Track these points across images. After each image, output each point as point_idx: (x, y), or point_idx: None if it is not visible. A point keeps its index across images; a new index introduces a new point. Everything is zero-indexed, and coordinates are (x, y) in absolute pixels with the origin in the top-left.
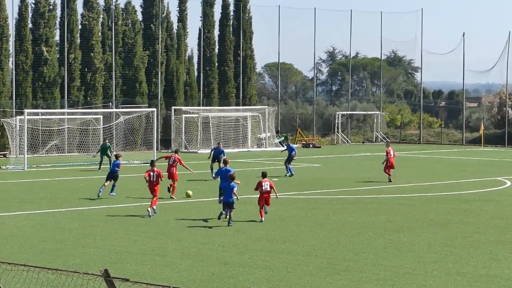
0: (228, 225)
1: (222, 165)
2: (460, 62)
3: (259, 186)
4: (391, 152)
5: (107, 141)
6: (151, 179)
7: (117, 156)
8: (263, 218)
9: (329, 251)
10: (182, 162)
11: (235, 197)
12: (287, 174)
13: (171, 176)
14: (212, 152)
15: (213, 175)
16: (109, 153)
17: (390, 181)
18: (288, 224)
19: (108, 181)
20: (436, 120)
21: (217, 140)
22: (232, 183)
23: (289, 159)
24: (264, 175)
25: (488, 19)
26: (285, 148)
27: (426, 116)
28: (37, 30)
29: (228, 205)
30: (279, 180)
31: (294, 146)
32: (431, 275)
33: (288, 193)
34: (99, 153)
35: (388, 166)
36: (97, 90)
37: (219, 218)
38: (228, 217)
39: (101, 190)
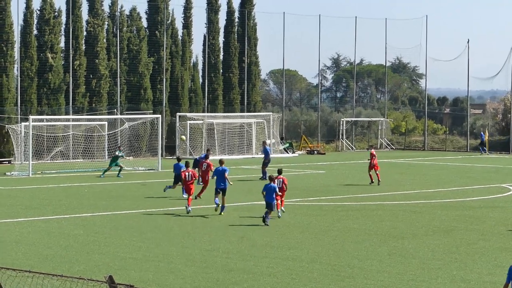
0: (266, 225)
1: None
2: (464, 69)
3: (272, 182)
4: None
5: (119, 150)
6: (186, 179)
7: (178, 159)
8: (281, 211)
9: (333, 258)
10: (212, 167)
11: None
12: (263, 177)
13: (204, 181)
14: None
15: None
16: (119, 162)
17: (371, 183)
18: (293, 230)
19: (176, 184)
20: (440, 126)
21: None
22: (272, 184)
23: (265, 163)
24: (279, 171)
25: (492, 26)
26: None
27: (431, 122)
28: (42, 37)
29: (270, 205)
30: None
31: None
32: (435, 282)
33: (292, 200)
34: (110, 160)
35: (371, 167)
36: (102, 97)
37: (264, 221)
38: (266, 215)
39: (168, 188)
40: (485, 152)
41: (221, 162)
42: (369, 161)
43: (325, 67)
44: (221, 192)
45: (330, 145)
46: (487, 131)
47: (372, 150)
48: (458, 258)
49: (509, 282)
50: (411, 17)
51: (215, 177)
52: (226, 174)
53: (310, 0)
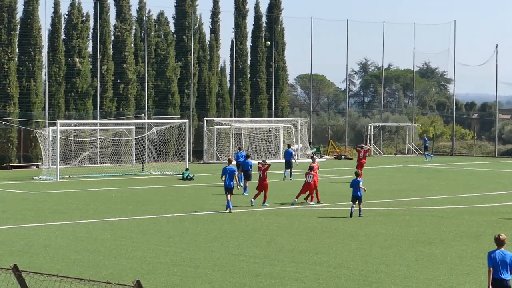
0: (359, 216)
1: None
2: (493, 74)
3: (358, 177)
4: (361, 154)
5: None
6: (260, 176)
7: (247, 156)
8: (296, 200)
9: (361, 263)
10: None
11: (363, 191)
12: (290, 179)
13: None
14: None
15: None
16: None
17: None
18: (320, 235)
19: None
20: (468, 132)
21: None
22: (358, 178)
23: (288, 165)
24: (311, 168)
25: None
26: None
27: (459, 128)
28: (70, 41)
29: (358, 198)
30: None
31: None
32: None
33: (319, 205)
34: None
35: (359, 165)
36: (130, 101)
37: (351, 215)
38: (359, 209)
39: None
40: (431, 158)
41: (229, 161)
42: (358, 158)
43: (353, 72)
44: (228, 193)
45: None
46: None
47: (363, 150)
48: (486, 264)
49: (491, 266)
50: (439, 22)
51: (224, 177)
52: (235, 174)
53: (338, 5)
